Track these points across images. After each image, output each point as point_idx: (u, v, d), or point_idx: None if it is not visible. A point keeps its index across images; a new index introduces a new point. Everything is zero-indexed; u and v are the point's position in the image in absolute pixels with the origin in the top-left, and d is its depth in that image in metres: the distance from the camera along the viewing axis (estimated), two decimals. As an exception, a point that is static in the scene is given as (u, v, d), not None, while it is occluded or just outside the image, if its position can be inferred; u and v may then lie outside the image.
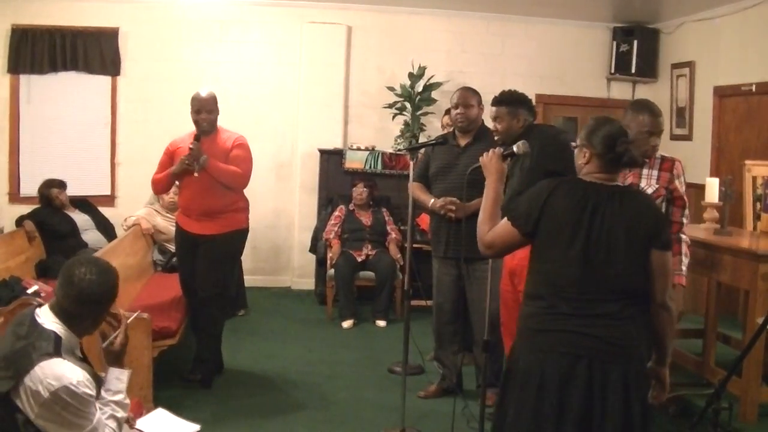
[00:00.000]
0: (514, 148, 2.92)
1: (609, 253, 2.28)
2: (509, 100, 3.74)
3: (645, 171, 3.34)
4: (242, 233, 4.44)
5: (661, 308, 2.37)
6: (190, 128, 4.32)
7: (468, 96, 4.10)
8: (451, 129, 4.32)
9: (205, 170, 4.15)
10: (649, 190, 3.30)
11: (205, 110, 4.25)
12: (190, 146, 4.16)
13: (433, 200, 4.10)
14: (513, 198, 3.59)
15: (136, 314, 3.48)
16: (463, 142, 4.12)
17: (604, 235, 2.29)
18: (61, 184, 5.94)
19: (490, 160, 2.71)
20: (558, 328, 2.29)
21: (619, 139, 2.36)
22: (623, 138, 2.38)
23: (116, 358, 2.39)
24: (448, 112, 5.06)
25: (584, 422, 2.24)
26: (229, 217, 4.32)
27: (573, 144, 2.56)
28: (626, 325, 2.30)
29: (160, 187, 4.53)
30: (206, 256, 4.29)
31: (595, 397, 2.25)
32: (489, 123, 4.14)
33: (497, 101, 3.76)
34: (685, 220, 3.52)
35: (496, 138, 3.77)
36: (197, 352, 4.42)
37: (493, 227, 2.50)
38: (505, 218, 2.46)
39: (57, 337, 2.15)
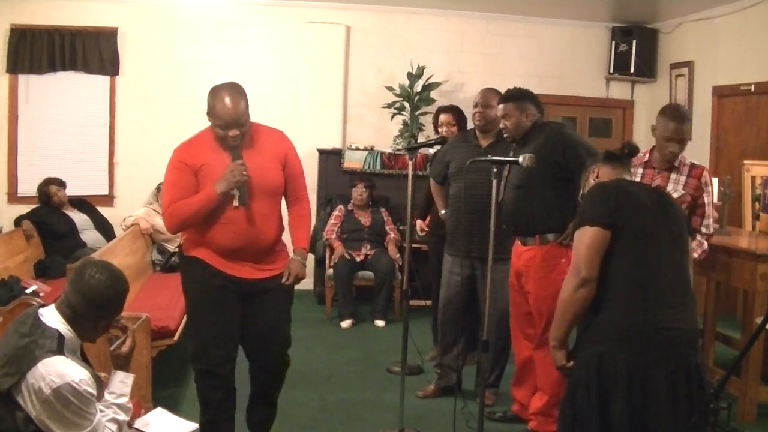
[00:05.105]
0: (520, 160, 2.94)
1: (681, 244, 2.41)
2: (516, 96, 3.72)
3: (673, 176, 3.34)
4: None
5: None
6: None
7: (488, 96, 4.08)
8: (470, 129, 4.30)
9: (252, 200, 3.05)
10: (675, 195, 3.31)
11: (236, 124, 2.96)
12: (238, 171, 2.94)
13: (443, 212, 4.34)
14: (517, 196, 3.61)
15: (142, 319, 3.50)
16: (484, 142, 4.09)
17: (675, 226, 2.40)
18: (61, 183, 5.95)
19: None
20: (658, 326, 2.29)
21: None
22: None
23: (124, 362, 2.40)
24: (440, 111, 5.05)
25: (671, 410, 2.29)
26: (284, 246, 3.34)
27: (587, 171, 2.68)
28: (693, 311, 2.42)
29: (189, 220, 3.00)
30: (273, 305, 3.20)
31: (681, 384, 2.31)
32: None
33: (503, 98, 3.75)
34: (704, 230, 3.57)
35: (505, 135, 3.76)
36: None
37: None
38: (580, 230, 2.37)
39: (60, 336, 2.15)
